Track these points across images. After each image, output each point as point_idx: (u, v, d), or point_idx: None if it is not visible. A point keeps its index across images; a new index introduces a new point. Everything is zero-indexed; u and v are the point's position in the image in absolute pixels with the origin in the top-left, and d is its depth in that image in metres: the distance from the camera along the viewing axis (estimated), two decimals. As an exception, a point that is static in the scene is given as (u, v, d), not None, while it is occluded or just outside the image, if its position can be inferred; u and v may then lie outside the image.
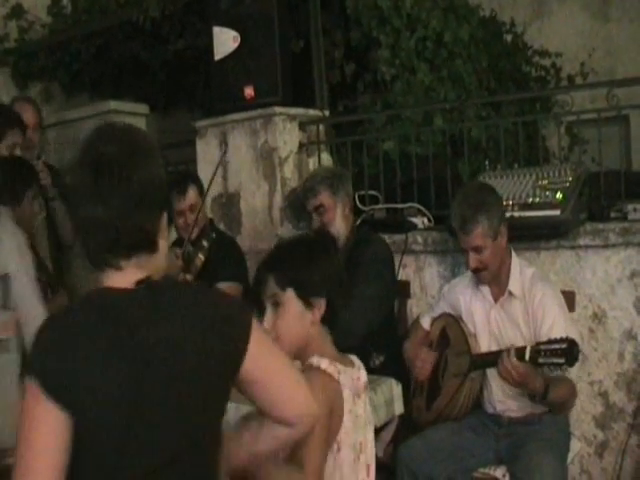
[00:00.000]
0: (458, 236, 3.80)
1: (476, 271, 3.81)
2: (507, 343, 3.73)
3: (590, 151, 5.36)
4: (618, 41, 10.05)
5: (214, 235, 4.83)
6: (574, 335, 3.49)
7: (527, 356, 3.35)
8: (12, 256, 3.69)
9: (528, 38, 8.66)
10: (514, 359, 3.38)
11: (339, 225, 4.39)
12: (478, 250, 3.74)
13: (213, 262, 4.72)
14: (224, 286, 4.61)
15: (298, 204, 5.16)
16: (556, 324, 3.63)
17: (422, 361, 4.00)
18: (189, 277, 4.53)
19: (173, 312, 1.92)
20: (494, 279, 3.86)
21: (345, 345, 4.11)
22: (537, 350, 3.33)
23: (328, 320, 2.72)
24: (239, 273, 4.87)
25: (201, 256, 4.70)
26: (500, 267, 3.83)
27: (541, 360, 3.32)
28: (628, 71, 7.38)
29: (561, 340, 3.28)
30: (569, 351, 3.23)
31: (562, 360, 3.25)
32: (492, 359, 3.57)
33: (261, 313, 2.61)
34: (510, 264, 3.86)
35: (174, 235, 5.01)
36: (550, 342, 3.32)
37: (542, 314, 3.69)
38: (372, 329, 4.18)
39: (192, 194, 4.76)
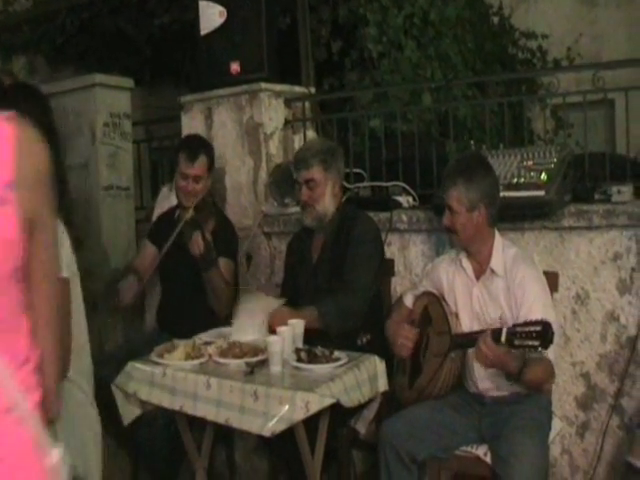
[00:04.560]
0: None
1: (447, 230, 3.89)
2: (488, 321, 3.76)
3: (575, 135, 5.36)
4: (604, 26, 10.05)
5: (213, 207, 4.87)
6: (552, 317, 3.51)
7: (503, 338, 3.37)
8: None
9: (514, 21, 8.68)
10: (489, 340, 3.40)
11: (327, 202, 4.38)
12: (451, 210, 3.79)
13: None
14: (219, 261, 4.62)
15: (283, 180, 5.15)
16: (535, 305, 3.64)
17: (404, 338, 3.99)
18: (208, 236, 4.53)
19: None
20: (477, 255, 3.87)
21: (350, 326, 4.17)
22: (513, 332, 3.34)
23: None
24: (232, 249, 4.87)
25: (211, 223, 4.71)
26: (479, 244, 3.86)
27: (517, 342, 3.32)
28: (614, 57, 7.36)
29: (536, 322, 3.29)
30: (544, 334, 3.24)
31: (537, 342, 3.26)
32: (472, 340, 3.59)
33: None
34: (493, 243, 3.87)
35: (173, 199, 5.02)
36: (526, 324, 3.34)
37: (522, 294, 3.70)
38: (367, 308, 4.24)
39: (200, 165, 4.73)
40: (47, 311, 1.74)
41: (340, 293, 4.22)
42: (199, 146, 4.81)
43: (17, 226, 1.58)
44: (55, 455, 1.68)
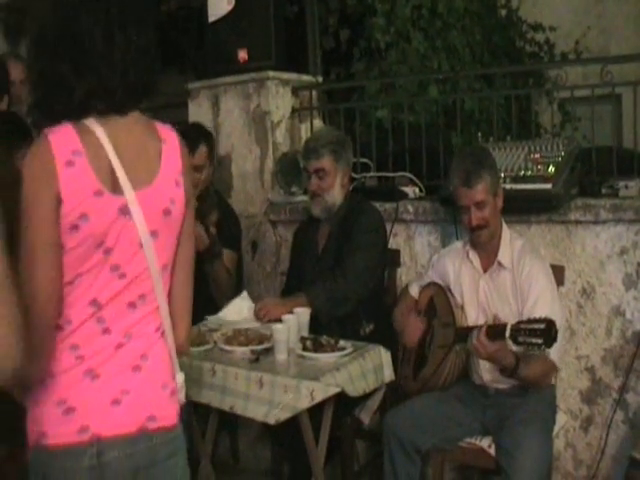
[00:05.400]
0: (459, 194, 3.79)
1: (477, 228, 3.79)
2: (495, 314, 3.74)
3: (582, 129, 5.36)
4: (612, 20, 10.04)
5: (215, 197, 4.85)
6: (558, 312, 3.51)
7: (507, 334, 3.36)
8: None
9: (522, 14, 8.66)
10: (482, 337, 3.42)
11: (336, 192, 4.37)
12: (480, 206, 3.74)
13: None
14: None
15: (289, 169, 5.13)
16: (541, 299, 3.64)
17: (411, 327, 4.01)
18: (213, 230, 4.52)
19: None
20: (485, 247, 3.86)
21: (340, 312, 4.15)
22: (517, 329, 3.34)
23: None
24: (235, 240, 4.85)
25: (214, 214, 4.70)
26: (493, 234, 3.83)
27: (521, 339, 3.32)
28: (622, 51, 7.35)
29: (540, 320, 3.29)
30: (547, 332, 3.23)
31: (540, 340, 3.25)
32: (476, 333, 3.59)
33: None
34: (501, 234, 3.86)
35: None
36: (530, 321, 3.33)
37: (528, 288, 3.70)
38: (364, 297, 4.19)
39: (201, 154, 4.69)
40: (189, 264, 2.28)
41: (331, 279, 4.21)
42: (198, 135, 4.77)
43: (184, 202, 2.15)
44: (180, 377, 2.22)
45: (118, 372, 2.05)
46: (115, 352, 2.05)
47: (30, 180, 1.96)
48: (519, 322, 3.38)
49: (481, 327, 3.51)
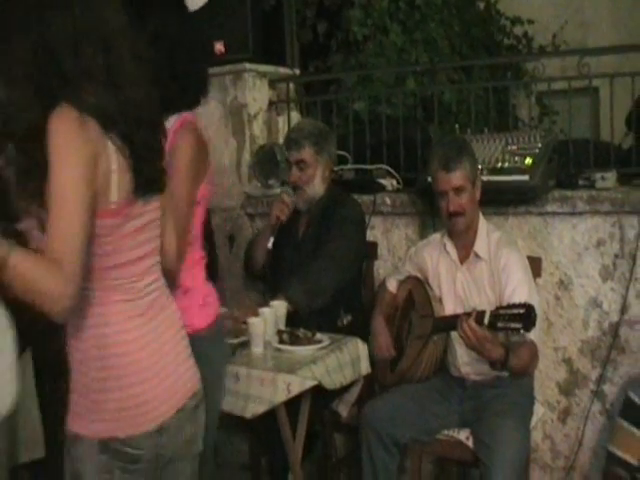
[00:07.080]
0: (437, 178, 3.80)
1: (454, 215, 3.78)
2: (472, 306, 3.72)
3: (559, 122, 5.36)
4: (590, 13, 10.08)
5: None
6: (536, 302, 3.49)
7: (486, 320, 3.36)
8: None
9: (500, 7, 8.67)
10: (472, 322, 3.39)
11: (317, 186, 4.34)
12: (458, 191, 3.75)
13: None
14: None
15: (266, 161, 5.10)
16: (518, 290, 3.63)
17: (383, 345, 4.04)
18: None
19: None
20: (461, 238, 3.86)
21: (318, 303, 4.09)
22: (496, 315, 3.34)
23: None
24: (206, 232, 4.80)
25: None
26: (470, 224, 3.82)
27: (500, 325, 3.32)
28: (599, 44, 7.36)
29: (519, 305, 3.30)
30: (527, 316, 3.24)
31: (519, 325, 3.26)
32: (454, 322, 3.56)
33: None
34: (477, 226, 3.86)
35: None
36: (509, 307, 3.34)
37: (506, 279, 3.70)
38: (339, 288, 4.15)
39: None
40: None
41: (307, 270, 4.14)
42: None
43: None
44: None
45: None
46: None
47: None
48: (498, 308, 3.39)
49: (462, 315, 3.50)
